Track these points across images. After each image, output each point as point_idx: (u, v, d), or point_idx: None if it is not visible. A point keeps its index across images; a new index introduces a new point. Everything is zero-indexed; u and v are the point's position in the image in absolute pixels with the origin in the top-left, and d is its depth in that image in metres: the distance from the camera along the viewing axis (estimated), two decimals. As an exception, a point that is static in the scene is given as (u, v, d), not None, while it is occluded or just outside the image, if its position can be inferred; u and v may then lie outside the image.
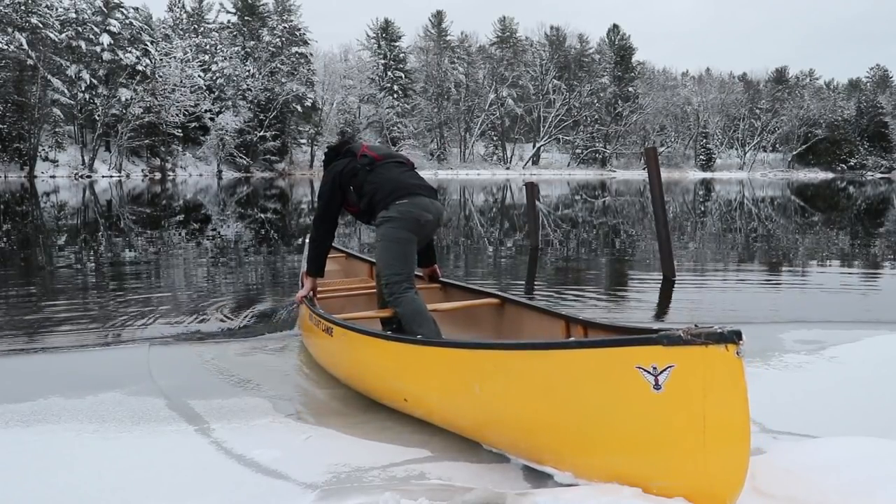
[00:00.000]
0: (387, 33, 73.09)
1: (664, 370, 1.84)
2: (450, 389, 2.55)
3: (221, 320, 4.94)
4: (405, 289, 3.33)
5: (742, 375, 1.80)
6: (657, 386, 1.85)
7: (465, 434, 2.59)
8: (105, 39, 47.94)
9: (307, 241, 5.95)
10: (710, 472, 1.84)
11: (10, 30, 42.39)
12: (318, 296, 4.01)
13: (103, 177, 46.45)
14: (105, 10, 49.10)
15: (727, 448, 1.83)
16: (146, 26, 52.92)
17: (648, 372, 1.86)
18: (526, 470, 2.34)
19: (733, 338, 1.78)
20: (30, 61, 42.58)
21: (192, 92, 51.18)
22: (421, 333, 3.16)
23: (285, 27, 60.61)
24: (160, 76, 49.67)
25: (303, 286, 3.86)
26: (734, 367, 1.79)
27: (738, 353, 1.79)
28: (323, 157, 3.92)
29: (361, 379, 3.17)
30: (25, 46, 42.26)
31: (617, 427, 1.98)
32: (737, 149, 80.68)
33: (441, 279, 4.20)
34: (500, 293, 3.81)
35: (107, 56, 47.85)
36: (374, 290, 3.96)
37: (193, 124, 52.06)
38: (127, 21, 50.35)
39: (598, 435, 2.04)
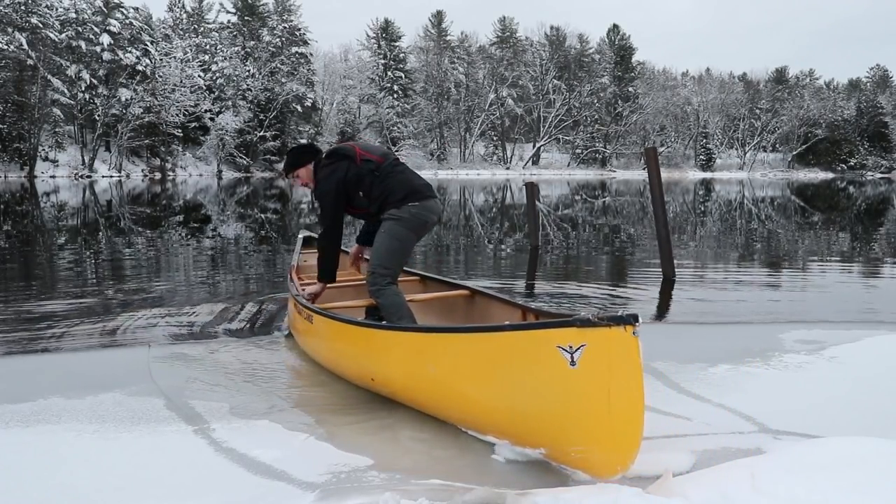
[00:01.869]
0: (387, 33, 73.07)
1: (578, 349, 2.11)
2: (409, 369, 2.80)
3: (221, 320, 4.94)
4: (388, 283, 3.59)
5: (637, 352, 2.08)
6: (573, 363, 2.12)
7: (425, 410, 2.83)
8: (105, 39, 47.95)
9: (300, 236, 6.02)
10: (614, 436, 2.13)
11: (10, 30, 42.40)
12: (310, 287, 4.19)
13: (103, 177, 46.45)
14: (105, 10, 49.10)
15: (626, 414, 2.11)
16: (146, 26, 52.92)
17: (566, 350, 2.12)
18: (526, 470, 2.35)
19: (631, 320, 2.05)
20: (30, 61, 42.59)
21: (192, 92, 51.23)
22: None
23: (285, 27, 60.64)
24: (160, 76, 49.70)
25: (292, 281, 4.09)
26: (631, 345, 2.07)
27: (634, 333, 2.06)
28: (292, 158, 3.87)
29: (336, 362, 3.44)
30: (25, 46, 42.27)
31: (542, 399, 2.25)
32: (737, 149, 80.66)
33: (419, 272, 4.58)
34: (470, 285, 4.16)
35: (107, 56, 47.86)
36: (364, 283, 4.06)
37: (193, 124, 52.10)
38: (127, 21, 50.37)
39: (527, 407, 2.32)
